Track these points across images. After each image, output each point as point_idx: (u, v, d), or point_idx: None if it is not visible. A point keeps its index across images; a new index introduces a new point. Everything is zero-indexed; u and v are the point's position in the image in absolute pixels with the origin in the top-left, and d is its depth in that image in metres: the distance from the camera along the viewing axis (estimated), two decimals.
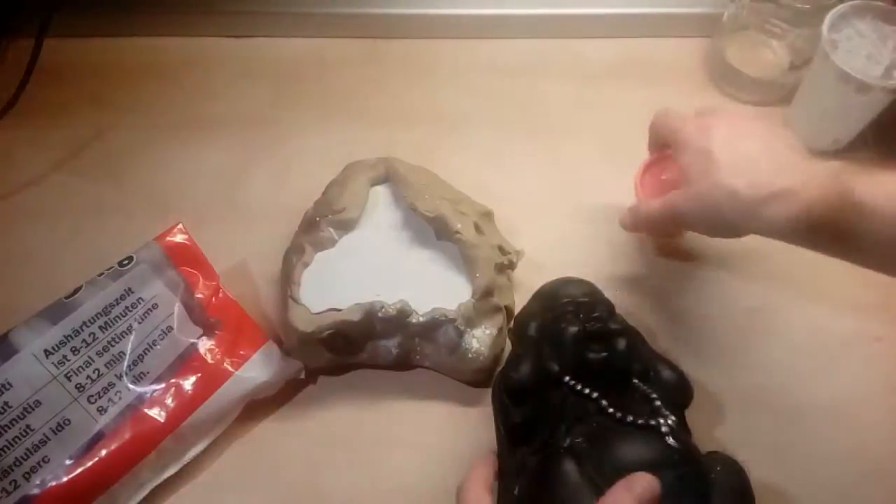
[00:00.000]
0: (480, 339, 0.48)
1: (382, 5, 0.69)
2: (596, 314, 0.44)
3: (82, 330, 0.45)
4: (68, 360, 0.44)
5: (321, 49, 0.70)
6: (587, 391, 0.41)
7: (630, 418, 0.40)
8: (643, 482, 0.32)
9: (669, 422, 0.39)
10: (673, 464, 0.38)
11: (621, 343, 0.43)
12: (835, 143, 0.61)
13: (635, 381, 0.43)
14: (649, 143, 0.52)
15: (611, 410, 0.40)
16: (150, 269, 0.48)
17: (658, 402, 0.41)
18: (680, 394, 0.44)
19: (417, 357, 0.50)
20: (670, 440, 0.39)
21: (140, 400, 0.45)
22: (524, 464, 0.41)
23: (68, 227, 0.59)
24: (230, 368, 0.48)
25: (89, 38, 0.70)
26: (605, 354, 0.42)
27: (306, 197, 0.54)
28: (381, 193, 0.53)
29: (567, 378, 0.42)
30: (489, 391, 0.51)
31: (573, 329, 0.42)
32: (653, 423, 0.39)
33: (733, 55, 0.65)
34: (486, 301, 0.48)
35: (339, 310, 0.47)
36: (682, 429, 0.41)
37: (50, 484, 0.42)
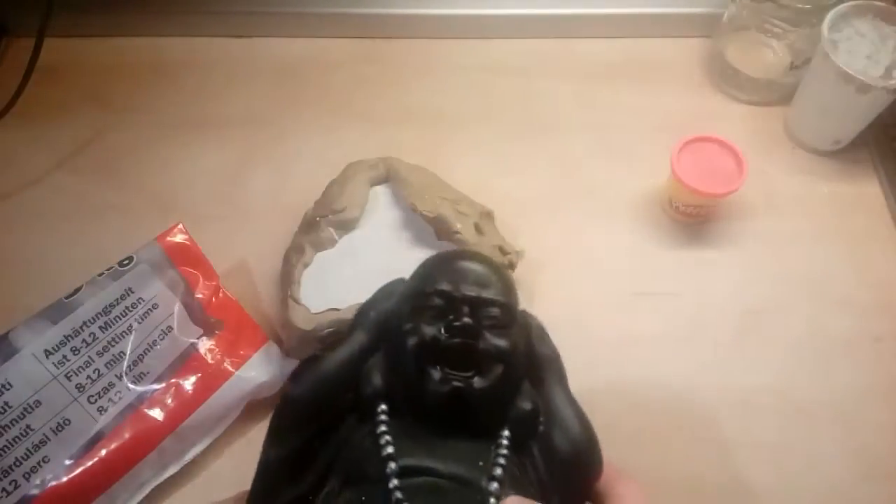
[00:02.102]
0: None
1: (382, 5, 0.69)
2: (466, 321, 0.29)
3: (82, 330, 0.45)
4: (68, 360, 0.44)
5: (321, 49, 0.70)
6: (384, 441, 0.27)
7: None
8: None
9: None
10: None
11: (492, 372, 0.29)
12: (835, 144, 0.61)
13: (503, 437, 0.28)
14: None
15: (392, 484, 0.26)
16: (150, 269, 0.48)
17: (493, 487, 0.27)
18: (571, 469, 0.30)
19: None
20: None
21: (140, 400, 0.45)
22: None
23: (68, 227, 0.59)
24: (230, 368, 0.48)
25: (89, 38, 0.70)
26: (454, 385, 0.28)
27: (306, 197, 0.54)
28: (381, 193, 0.53)
29: (382, 408, 0.29)
30: None
31: (421, 335, 0.29)
32: None
33: (733, 55, 0.65)
34: None
35: (339, 310, 0.47)
36: None
37: (50, 484, 0.42)
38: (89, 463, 0.43)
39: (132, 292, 0.47)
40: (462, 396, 0.28)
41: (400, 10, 0.69)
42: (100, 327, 0.46)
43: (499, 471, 0.27)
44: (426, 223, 0.51)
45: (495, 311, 0.30)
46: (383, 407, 0.29)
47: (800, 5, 0.58)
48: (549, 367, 0.32)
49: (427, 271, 0.33)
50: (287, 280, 0.50)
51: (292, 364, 0.49)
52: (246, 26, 0.70)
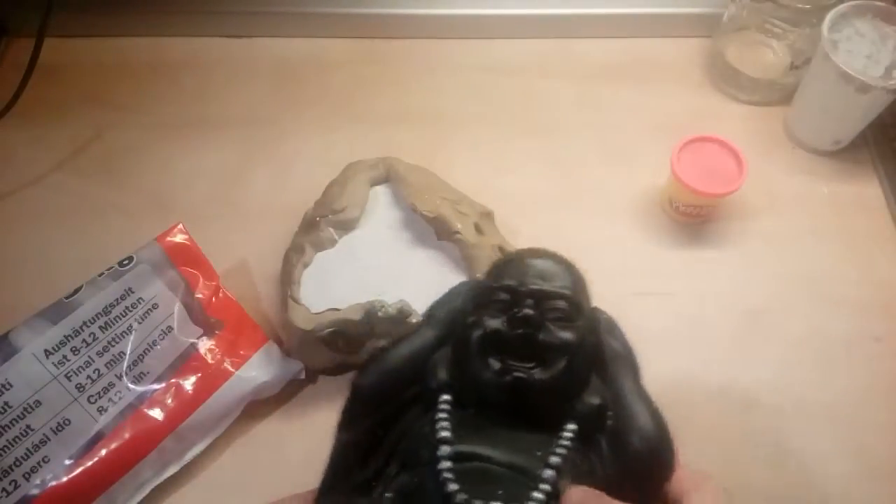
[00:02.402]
0: None
1: (382, 5, 0.69)
2: (527, 312, 0.29)
3: (82, 330, 0.45)
4: (68, 360, 0.44)
5: (321, 49, 0.70)
6: (439, 427, 0.28)
7: (453, 488, 0.25)
8: None
9: None
10: None
11: (555, 365, 0.29)
12: (835, 144, 0.61)
13: (568, 429, 0.28)
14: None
15: (442, 466, 0.26)
16: (150, 269, 0.48)
17: (545, 488, 0.26)
18: (641, 466, 0.29)
19: None
20: None
21: (140, 400, 0.45)
22: None
23: (68, 227, 0.59)
24: (230, 368, 0.48)
25: (89, 38, 0.70)
26: (514, 375, 0.28)
27: (306, 197, 0.54)
28: (381, 193, 0.53)
29: (444, 398, 0.29)
30: None
31: (485, 327, 0.29)
32: None
33: (733, 55, 0.65)
34: None
35: (339, 310, 0.47)
36: None
37: (50, 484, 0.42)
38: (89, 463, 0.43)
39: (132, 292, 0.47)
40: (522, 387, 0.28)
41: (400, 10, 0.69)
42: (100, 327, 0.46)
43: (556, 459, 0.27)
44: (426, 223, 0.51)
45: (561, 303, 0.30)
46: (446, 397, 0.29)
47: (800, 5, 0.58)
48: (619, 361, 0.31)
49: (494, 269, 0.33)
50: (287, 280, 0.50)
51: (292, 364, 0.49)
52: (246, 26, 0.70)
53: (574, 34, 0.70)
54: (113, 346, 0.46)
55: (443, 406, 0.29)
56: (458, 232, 0.49)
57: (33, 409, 0.43)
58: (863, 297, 0.55)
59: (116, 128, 0.65)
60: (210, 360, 0.48)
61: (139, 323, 0.47)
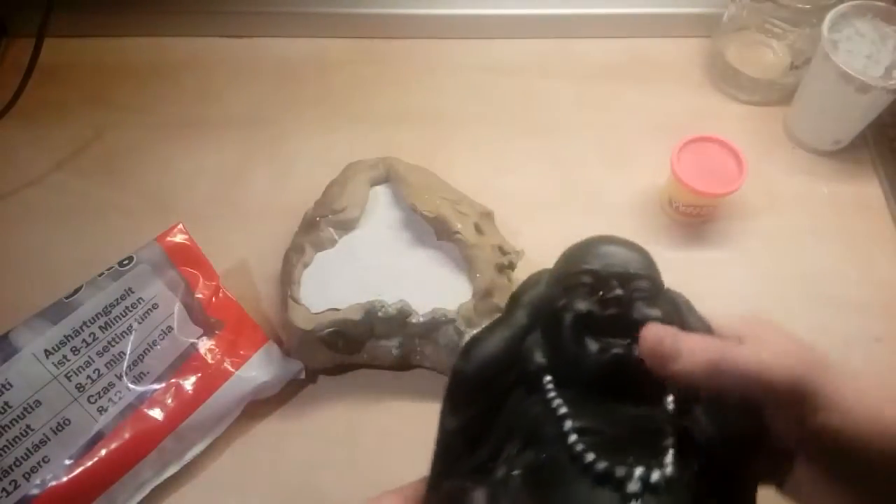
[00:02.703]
0: None
1: (382, 5, 0.69)
2: (617, 292, 0.30)
3: (82, 330, 0.45)
4: (68, 360, 0.44)
5: (321, 49, 0.70)
6: (556, 404, 0.29)
7: (591, 458, 0.26)
8: None
9: (654, 478, 0.25)
10: None
11: None
12: (835, 144, 0.61)
13: (668, 401, 0.29)
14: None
15: (572, 439, 0.27)
16: (150, 269, 0.48)
17: (669, 444, 0.27)
18: (735, 436, 0.29)
19: (417, 357, 0.50)
20: None
21: (140, 400, 0.45)
22: (443, 493, 0.30)
23: (68, 227, 0.59)
24: (230, 368, 0.48)
25: (89, 38, 0.70)
26: (613, 353, 0.29)
27: (306, 197, 0.54)
28: (381, 193, 0.53)
29: (547, 379, 0.30)
30: None
31: (576, 310, 0.30)
32: (620, 474, 0.25)
33: (733, 55, 0.65)
34: (486, 301, 0.48)
35: (339, 310, 0.47)
36: (687, 494, 0.27)
37: (50, 484, 0.42)
38: (89, 463, 0.43)
39: (132, 292, 0.47)
40: (623, 363, 0.29)
41: (400, 10, 0.69)
42: (100, 327, 0.46)
43: (668, 424, 0.28)
44: (426, 223, 0.51)
45: (643, 283, 0.31)
46: (549, 378, 0.30)
47: (800, 5, 0.58)
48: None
49: (571, 255, 0.34)
50: (287, 280, 0.50)
51: (292, 364, 0.49)
52: (246, 26, 0.70)
53: (574, 34, 0.70)
54: (113, 346, 0.46)
55: (549, 386, 0.29)
56: (458, 232, 0.49)
57: (33, 409, 0.43)
58: (863, 297, 0.55)
59: (117, 128, 0.65)
60: (210, 360, 0.48)
61: (139, 323, 0.47)
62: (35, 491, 0.42)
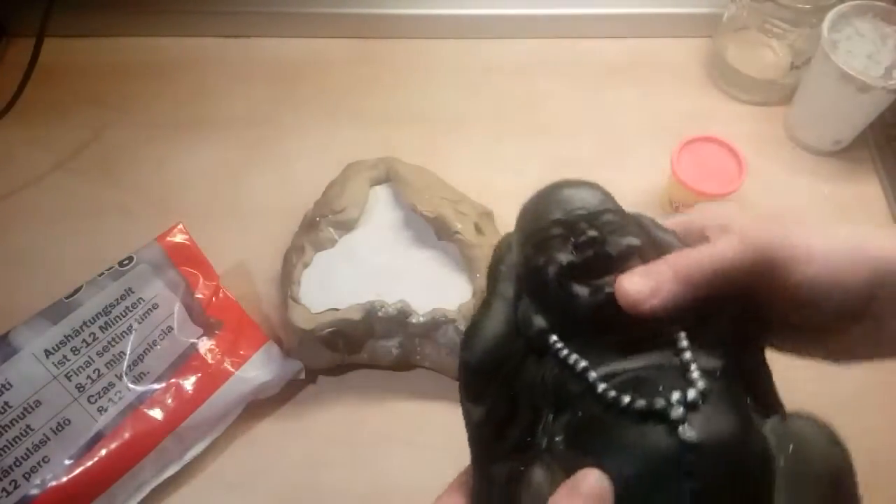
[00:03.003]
0: None
1: (382, 5, 0.69)
2: (590, 234, 0.29)
3: (82, 330, 0.45)
4: (68, 360, 0.44)
5: (321, 49, 0.70)
6: (573, 360, 0.28)
7: (626, 400, 0.26)
8: (590, 481, 0.25)
9: (690, 396, 0.25)
10: (688, 471, 0.25)
11: (634, 268, 0.29)
12: (836, 144, 0.61)
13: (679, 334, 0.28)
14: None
15: (601, 388, 0.27)
16: (150, 269, 0.48)
17: (688, 358, 0.27)
18: (740, 331, 0.29)
19: (417, 357, 0.50)
20: (686, 432, 0.25)
21: (140, 400, 0.45)
22: (494, 480, 0.30)
23: (68, 227, 0.59)
24: (230, 368, 0.48)
25: (89, 38, 0.70)
26: (606, 292, 0.28)
27: (306, 197, 0.54)
28: (381, 193, 0.53)
29: (554, 339, 0.29)
30: None
31: (557, 263, 0.29)
32: (660, 406, 0.25)
33: (733, 55, 0.65)
34: None
35: (339, 310, 0.47)
36: (723, 397, 0.27)
37: (50, 484, 0.42)
38: (89, 463, 0.43)
39: (132, 292, 0.47)
40: (616, 300, 0.28)
41: (399, 11, 0.69)
42: (100, 327, 0.46)
43: (685, 351, 0.28)
44: (426, 223, 0.51)
45: (609, 216, 0.31)
46: (554, 338, 0.29)
47: (800, 5, 0.58)
48: (678, 248, 0.31)
49: (532, 211, 0.33)
50: (287, 280, 0.50)
51: (292, 364, 0.49)
52: (245, 26, 0.70)
53: (574, 34, 0.70)
54: (113, 346, 0.46)
55: (558, 346, 0.29)
56: (458, 232, 0.49)
57: (33, 409, 0.43)
58: None
59: (116, 128, 0.65)
60: (210, 360, 0.48)
61: (139, 323, 0.47)
62: (35, 491, 0.42)
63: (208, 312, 0.50)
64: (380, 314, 0.47)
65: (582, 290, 0.29)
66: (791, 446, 0.28)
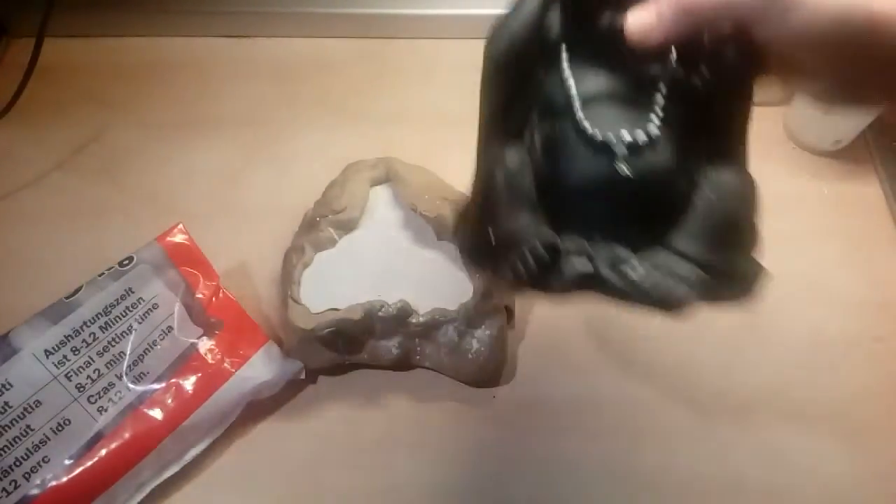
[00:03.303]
0: (480, 339, 0.48)
1: (382, 5, 0.69)
2: None
3: (83, 330, 0.45)
4: (68, 360, 0.44)
5: (321, 49, 0.70)
6: (567, 75, 0.32)
7: (589, 129, 0.31)
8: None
9: (639, 138, 0.30)
10: (618, 196, 0.31)
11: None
12: (836, 144, 0.61)
13: (672, 57, 0.31)
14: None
15: (578, 112, 0.31)
16: (150, 270, 0.48)
17: (658, 102, 0.31)
18: (731, 66, 0.31)
19: (417, 357, 0.50)
20: (620, 166, 0.30)
21: (140, 400, 0.45)
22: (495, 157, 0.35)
23: (68, 227, 0.59)
24: (230, 368, 0.48)
25: (89, 38, 0.70)
26: (620, 22, 0.30)
27: (306, 197, 0.54)
28: (381, 193, 0.53)
29: (563, 50, 0.32)
30: (490, 391, 0.51)
31: None
32: (610, 140, 0.30)
33: None
34: (486, 301, 0.48)
35: (339, 310, 0.47)
36: (670, 142, 0.31)
37: (50, 484, 0.42)
38: (89, 463, 0.43)
39: (132, 292, 0.47)
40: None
41: (400, 10, 0.69)
42: (100, 327, 0.46)
43: (658, 96, 0.31)
44: (426, 223, 0.51)
45: None
46: (565, 52, 0.32)
47: None
48: None
49: None
50: (287, 280, 0.50)
51: (292, 364, 0.49)
52: (246, 26, 0.70)
53: None
54: (113, 346, 0.46)
55: (564, 55, 0.32)
56: None
57: (33, 409, 0.43)
58: (863, 297, 0.55)
59: (116, 128, 0.65)
60: (210, 360, 0.48)
61: (139, 323, 0.47)
62: (35, 491, 0.42)
63: (208, 312, 0.50)
64: (380, 314, 0.47)
65: (606, 17, 0.31)
66: (713, 190, 0.32)
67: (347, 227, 0.51)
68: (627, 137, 0.30)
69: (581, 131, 0.31)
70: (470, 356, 0.48)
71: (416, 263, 0.50)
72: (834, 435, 0.49)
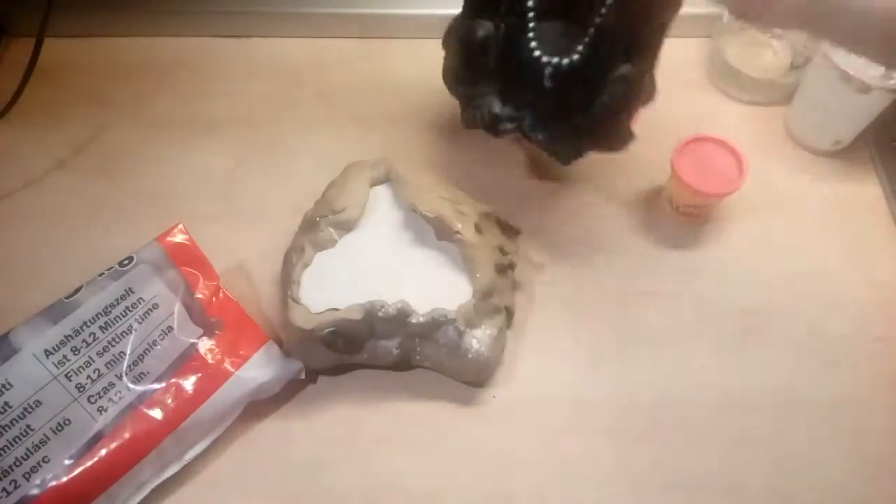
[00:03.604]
0: (480, 339, 0.48)
1: (382, 5, 0.69)
2: None
3: (83, 330, 0.45)
4: (68, 360, 0.44)
5: (320, 49, 0.70)
6: None
7: (534, 42, 0.46)
8: None
9: (564, 63, 0.45)
10: (545, 92, 0.47)
11: None
12: (836, 144, 0.61)
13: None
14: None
15: (530, 24, 0.46)
16: (150, 269, 0.48)
17: (588, 36, 0.45)
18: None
19: (417, 357, 0.50)
20: (546, 79, 0.46)
21: (140, 400, 0.45)
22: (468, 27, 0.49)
23: (68, 227, 0.59)
24: (230, 368, 0.48)
25: (89, 38, 0.70)
26: None
27: (306, 197, 0.54)
28: (381, 193, 0.53)
29: None
30: (489, 391, 0.51)
31: None
32: (543, 58, 0.46)
33: (733, 55, 0.65)
34: (486, 301, 0.48)
35: (339, 310, 0.47)
36: (592, 60, 0.46)
37: (50, 484, 0.42)
38: (89, 463, 0.43)
39: (132, 292, 0.47)
40: None
41: (400, 11, 0.69)
42: (100, 327, 0.46)
43: (590, 30, 0.46)
44: (426, 223, 0.51)
45: None
46: None
47: None
48: None
49: None
50: (287, 280, 0.50)
51: (292, 364, 0.49)
52: (245, 26, 0.70)
53: None
54: (113, 346, 0.46)
55: None
56: (458, 232, 0.49)
57: (33, 409, 0.43)
58: (863, 297, 0.55)
59: (116, 128, 0.65)
60: (210, 360, 0.48)
61: (139, 323, 0.47)
62: (35, 491, 0.42)
63: (208, 312, 0.50)
64: (380, 314, 0.47)
65: None
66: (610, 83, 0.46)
67: (347, 227, 0.51)
68: (555, 60, 0.45)
69: (528, 41, 0.45)
70: (470, 356, 0.48)
71: (416, 263, 0.50)
72: (833, 435, 0.49)
